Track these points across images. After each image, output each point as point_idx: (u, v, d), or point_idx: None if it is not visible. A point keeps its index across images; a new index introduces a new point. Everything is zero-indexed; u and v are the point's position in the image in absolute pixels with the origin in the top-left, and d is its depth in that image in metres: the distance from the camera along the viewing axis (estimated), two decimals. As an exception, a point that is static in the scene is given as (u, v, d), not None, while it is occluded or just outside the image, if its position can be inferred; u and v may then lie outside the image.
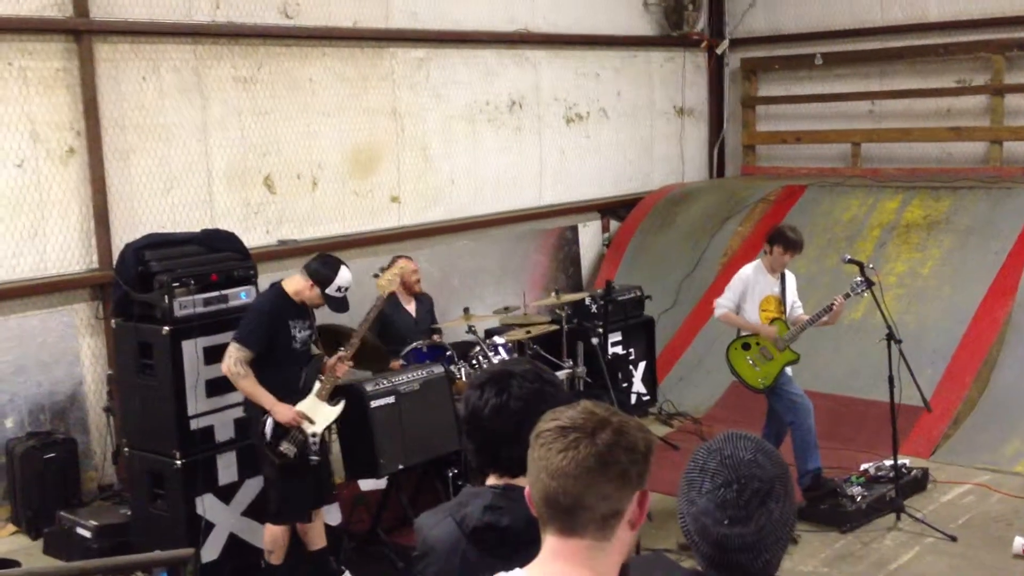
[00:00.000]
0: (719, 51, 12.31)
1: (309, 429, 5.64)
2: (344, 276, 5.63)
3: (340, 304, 5.73)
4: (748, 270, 7.16)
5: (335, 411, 5.82)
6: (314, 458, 5.65)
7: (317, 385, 5.76)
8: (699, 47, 12.15)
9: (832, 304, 6.87)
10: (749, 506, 2.00)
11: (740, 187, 11.22)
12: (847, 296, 6.89)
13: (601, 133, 11.17)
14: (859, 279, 6.81)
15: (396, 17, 9.02)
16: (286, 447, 5.61)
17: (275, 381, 5.60)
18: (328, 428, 5.92)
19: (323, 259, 5.73)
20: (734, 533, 1.99)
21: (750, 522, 2.00)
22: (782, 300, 7.11)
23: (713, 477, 2.03)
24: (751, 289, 7.07)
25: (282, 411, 5.57)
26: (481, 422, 2.51)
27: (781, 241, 7.00)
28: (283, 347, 5.62)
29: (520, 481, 2.54)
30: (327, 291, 5.60)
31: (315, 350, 5.98)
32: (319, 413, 5.72)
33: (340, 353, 5.81)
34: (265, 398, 5.56)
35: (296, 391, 5.70)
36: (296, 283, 5.67)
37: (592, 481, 1.92)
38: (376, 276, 6.23)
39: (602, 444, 1.93)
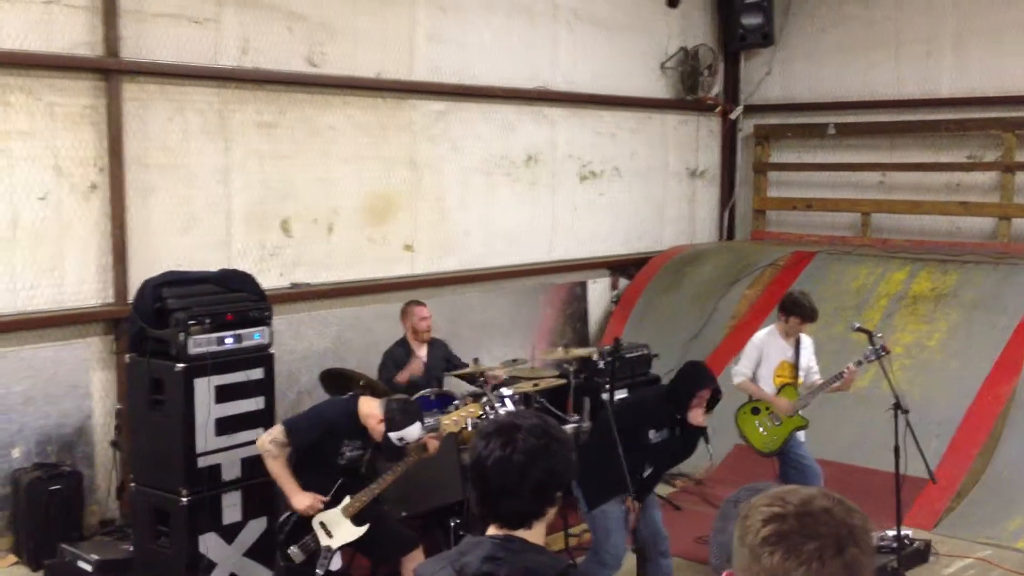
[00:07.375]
0: (733, 116, 12.47)
1: (324, 542, 5.54)
2: (412, 432, 5.55)
3: (394, 452, 5.69)
4: (761, 335, 7.24)
5: (356, 532, 5.64)
6: (319, 572, 5.50)
7: (347, 500, 5.65)
8: (713, 112, 12.30)
9: (843, 372, 6.91)
10: None
11: (750, 251, 11.30)
12: (859, 364, 6.91)
13: (614, 191, 11.29)
14: (874, 346, 6.83)
15: (419, 70, 9.16)
16: (295, 552, 5.54)
17: (306, 485, 5.56)
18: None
19: (405, 408, 5.63)
20: None
21: None
22: (796, 365, 7.16)
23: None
24: (765, 355, 7.14)
25: (300, 499, 5.51)
26: (484, 472, 2.54)
27: (797, 312, 7.04)
28: (325, 457, 5.58)
29: (521, 533, 2.57)
30: (390, 434, 5.53)
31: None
32: (340, 528, 5.60)
33: (372, 487, 5.70)
34: (288, 484, 5.51)
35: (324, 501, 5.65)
36: (371, 408, 5.59)
37: None
38: (447, 411, 6.14)
39: (851, 557, 1.68)
